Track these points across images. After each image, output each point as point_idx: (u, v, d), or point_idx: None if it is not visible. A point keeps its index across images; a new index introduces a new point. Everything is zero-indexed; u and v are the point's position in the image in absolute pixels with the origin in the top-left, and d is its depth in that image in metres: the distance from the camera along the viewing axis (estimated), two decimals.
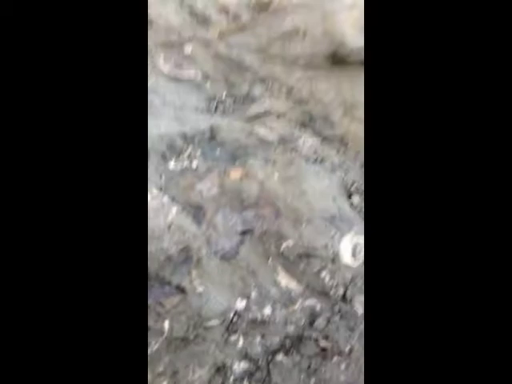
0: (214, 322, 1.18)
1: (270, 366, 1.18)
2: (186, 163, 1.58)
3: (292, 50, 2.10)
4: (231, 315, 1.21)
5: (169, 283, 1.05)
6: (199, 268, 1.19)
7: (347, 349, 1.21)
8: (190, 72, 1.98)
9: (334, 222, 1.49)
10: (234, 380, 1.14)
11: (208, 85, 2.01)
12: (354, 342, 1.23)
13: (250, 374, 1.17)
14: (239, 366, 1.15)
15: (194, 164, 1.59)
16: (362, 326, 1.26)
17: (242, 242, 1.35)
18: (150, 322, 1.07)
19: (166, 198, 1.41)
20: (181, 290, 1.08)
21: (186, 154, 1.65)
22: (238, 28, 2.12)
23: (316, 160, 1.71)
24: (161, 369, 1.07)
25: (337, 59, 2.07)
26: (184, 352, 1.11)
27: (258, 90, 1.97)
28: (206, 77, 2.03)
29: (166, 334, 1.09)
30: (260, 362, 1.19)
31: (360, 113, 1.94)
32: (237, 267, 1.30)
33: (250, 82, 2.06)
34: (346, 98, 1.99)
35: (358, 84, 2.00)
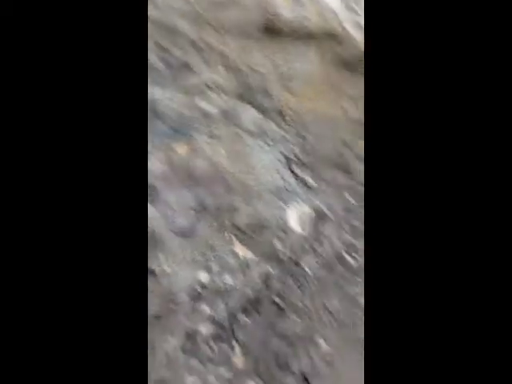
0: (182, 297, 1.26)
1: (234, 326, 1.32)
2: None
3: (225, 18, 2.08)
4: (196, 288, 1.30)
5: None
6: (164, 250, 1.24)
7: (300, 305, 1.39)
8: None
9: (280, 193, 1.62)
10: (203, 342, 1.25)
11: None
12: (306, 298, 1.42)
13: (216, 336, 1.29)
14: (207, 330, 1.27)
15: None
16: (310, 285, 1.45)
17: (197, 219, 1.41)
18: None
19: None
20: (152, 273, 1.13)
21: None
22: None
23: (258, 134, 1.80)
24: None
25: (270, 30, 2.11)
26: (158, 327, 1.19)
27: (193, 59, 1.94)
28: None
29: None
30: (225, 325, 1.31)
31: (295, 85, 2.04)
32: (196, 243, 1.38)
33: (183, 48, 2.01)
34: (281, 70, 2.06)
35: (293, 56, 2.09)
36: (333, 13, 2.25)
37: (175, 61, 1.92)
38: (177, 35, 1.98)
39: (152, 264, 1.18)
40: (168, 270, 1.22)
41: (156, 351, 1.18)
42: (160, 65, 1.88)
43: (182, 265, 1.31)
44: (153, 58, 1.95)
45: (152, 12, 1.96)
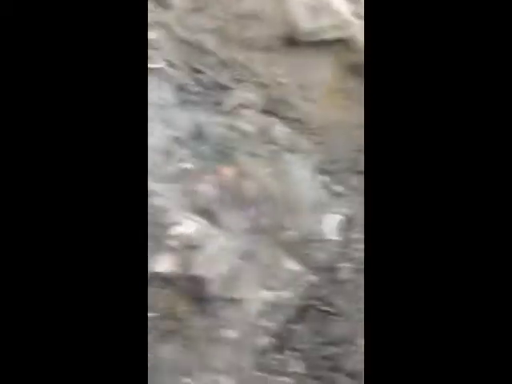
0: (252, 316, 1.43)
1: (290, 336, 1.49)
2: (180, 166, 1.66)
3: (249, 32, 2.15)
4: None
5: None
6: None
7: (343, 309, 1.58)
8: (158, 61, 1.94)
9: (317, 205, 1.77)
10: (267, 355, 1.42)
11: (174, 74, 2.00)
12: (347, 302, 1.60)
13: (276, 347, 1.44)
14: (269, 343, 1.43)
15: (188, 166, 1.69)
16: (350, 289, 1.63)
17: (253, 240, 1.56)
18: None
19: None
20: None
21: (177, 157, 1.72)
22: (195, 9, 2.07)
23: (290, 148, 1.93)
24: None
25: (291, 41, 2.19)
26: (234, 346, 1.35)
27: (224, 77, 2.03)
28: (170, 65, 2.01)
29: None
30: (283, 336, 1.48)
31: (315, 94, 2.14)
32: (254, 263, 1.53)
33: (212, 67, 2.10)
34: (302, 80, 2.17)
35: (311, 65, 2.18)
36: (348, 22, 2.33)
37: (209, 81, 2.01)
38: (206, 54, 2.05)
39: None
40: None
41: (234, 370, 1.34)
42: (196, 88, 1.97)
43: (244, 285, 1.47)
44: (187, 80, 2.03)
45: (180, 32, 2.03)
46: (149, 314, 1.31)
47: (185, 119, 1.83)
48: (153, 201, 1.24)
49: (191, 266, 1.18)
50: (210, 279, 1.17)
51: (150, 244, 1.23)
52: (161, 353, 1.29)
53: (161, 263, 1.21)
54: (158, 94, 1.90)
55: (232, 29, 2.12)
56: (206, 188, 1.68)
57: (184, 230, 1.22)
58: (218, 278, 1.19)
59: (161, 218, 1.23)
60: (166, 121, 1.78)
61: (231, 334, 1.21)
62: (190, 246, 1.22)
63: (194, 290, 1.17)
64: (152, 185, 1.29)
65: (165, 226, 1.22)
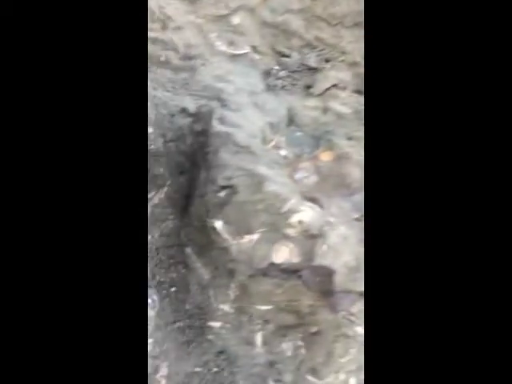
0: None
1: None
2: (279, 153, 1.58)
3: (335, 9, 2.01)
4: None
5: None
6: None
7: None
8: (244, 48, 1.87)
9: None
10: None
11: (260, 59, 1.93)
12: None
13: None
14: None
15: (283, 153, 1.60)
16: None
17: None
18: None
19: None
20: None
21: (271, 145, 1.64)
22: None
23: None
24: None
25: None
26: None
27: (312, 59, 1.92)
28: (255, 51, 1.94)
29: None
30: None
31: None
32: None
33: (299, 49, 2.00)
34: None
35: None
36: None
37: (298, 64, 1.91)
38: (293, 36, 1.95)
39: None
40: None
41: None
42: (282, 72, 1.88)
43: None
44: (272, 64, 1.95)
45: (267, 16, 1.95)
46: (263, 307, 1.24)
47: (276, 104, 1.75)
48: (266, 187, 1.17)
49: (314, 256, 1.09)
50: (336, 270, 1.07)
51: (268, 234, 1.16)
52: (278, 348, 1.22)
53: (280, 253, 1.13)
54: (245, 79, 1.83)
55: (318, 7, 2.00)
56: (306, 175, 1.59)
57: (303, 217, 1.12)
58: (344, 270, 1.08)
59: (277, 206, 1.15)
60: (259, 106, 1.70)
61: (360, 330, 1.10)
62: (310, 235, 1.12)
63: (319, 282, 1.07)
64: (261, 169, 1.21)
65: (282, 214, 1.14)
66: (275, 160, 1.27)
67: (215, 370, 1.28)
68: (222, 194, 1.20)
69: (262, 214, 1.14)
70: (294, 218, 1.11)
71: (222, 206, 1.18)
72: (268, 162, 1.22)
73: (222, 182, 1.20)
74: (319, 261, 1.06)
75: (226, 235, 1.17)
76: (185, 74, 1.74)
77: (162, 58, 1.72)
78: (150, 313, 1.19)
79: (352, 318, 1.09)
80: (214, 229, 1.16)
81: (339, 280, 1.06)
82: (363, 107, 1.79)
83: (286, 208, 1.12)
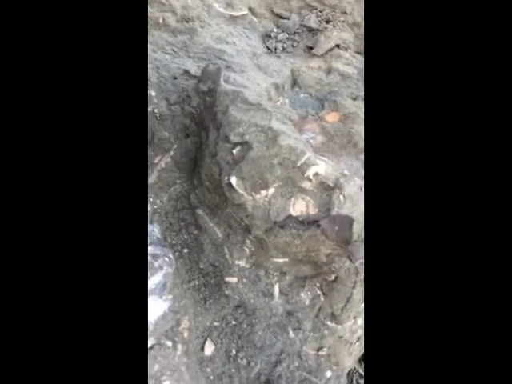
0: None
1: None
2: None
3: None
4: None
5: None
6: None
7: None
8: (242, 9, 1.84)
9: None
10: None
11: (258, 21, 1.90)
12: None
13: None
14: None
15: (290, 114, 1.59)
16: None
17: None
18: None
19: None
20: None
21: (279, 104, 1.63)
22: None
23: None
24: None
25: None
26: None
27: (312, 20, 1.90)
28: (253, 13, 1.91)
29: None
30: None
31: None
32: None
33: (298, 10, 1.97)
34: None
35: None
36: None
37: (298, 26, 1.89)
38: None
39: None
40: None
41: None
42: (282, 35, 1.86)
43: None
44: (271, 26, 1.92)
45: None
46: (280, 260, 1.27)
47: (279, 66, 1.73)
48: (281, 141, 1.17)
49: (332, 206, 1.11)
50: (354, 219, 1.09)
51: (284, 188, 1.17)
52: (297, 297, 1.26)
53: (298, 206, 1.15)
54: (246, 41, 1.80)
55: None
56: (313, 136, 1.59)
57: (319, 170, 1.14)
58: (361, 218, 1.11)
59: (293, 159, 1.16)
60: (262, 68, 1.69)
61: None
62: (327, 187, 1.14)
63: (337, 231, 1.10)
64: (275, 124, 1.21)
65: (298, 168, 1.15)
66: (287, 115, 1.27)
67: (233, 323, 1.31)
68: (236, 150, 1.19)
69: (277, 169, 1.15)
70: (310, 171, 1.12)
71: (236, 163, 1.18)
72: (280, 117, 1.22)
73: (235, 139, 1.19)
74: (337, 211, 1.08)
75: (241, 191, 1.17)
76: (184, 37, 1.71)
77: (160, 20, 1.68)
78: (168, 270, 1.20)
79: None
80: (230, 186, 1.16)
81: (357, 228, 1.09)
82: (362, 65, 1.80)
83: (301, 161, 1.13)
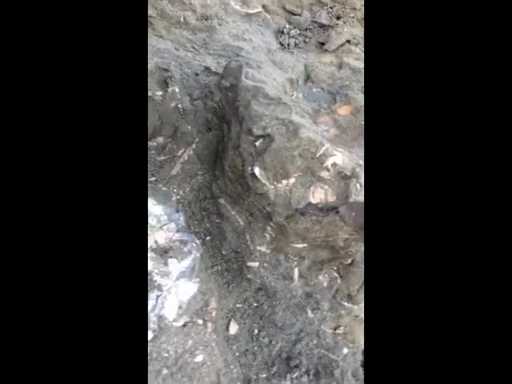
0: None
1: None
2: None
3: None
4: None
5: None
6: None
7: None
8: (256, 7, 1.91)
9: None
10: None
11: (271, 18, 1.97)
12: None
13: None
14: None
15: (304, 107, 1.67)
16: None
17: None
18: None
19: None
20: None
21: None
22: None
23: None
24: None
25: None
26: None
27: (323, 16, 1.96)
28: (266, 10, 1.98)
29: None
30: None
31: None
32: None
33: (309, 6, 2.04)
34: None
35: None
36: None
37: (309, 22, 1.96)
38: None
39: None
40: None
41: None
42: (294, 31, 1.93)
43: None
44: (284, 23, 1.99)
45: None
46: (299, 245, 1.36)
47: (292, 61, 1.81)
48: (302, 134, 1.25)
49: (349, 194, 1.19)
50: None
51: (304, 177, 1.26)
52: (315, 280, 1.34)
53: (317, 194, 1.23)
54: (261, 37, 1.88)
55: None
56: (326, 128, 1.67)
57: (336, 160, 1.22)
58: None
59: (312, 151, 1.24)
60: (277, 64, 1.76)
61: None
62: (344, 176, 1.23)
63: (355, 217, 1.19)
64: (295, 117, 1.29)
65: (317, 158, 1.23)
66: (305, 109, 1.35)
67: (255, 304, 1.41)
68: (259, 142, 1.28)
69: (298, 159, 1.23)
70: (329, 162, 1.20)
71: (259, 155, 1.27)
72: (299, 111, 1.30)
73: (257, 132, 1.27)
74: (354, 198, 1.17)
75: (264, 181, 1.26)
76: (203, 34, 1.78)
77: (181, 19, 1.75)
78: (196, 254, 1.29)
79: None
80: (254, 176, 1.25)
81: None
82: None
83: (320, 152, 1.21)
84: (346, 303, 1.29)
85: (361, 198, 1.17)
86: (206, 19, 1.80)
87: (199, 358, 1.10)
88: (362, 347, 1.39)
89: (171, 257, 1.22)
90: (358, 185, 1.18)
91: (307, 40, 1.95)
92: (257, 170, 1.26)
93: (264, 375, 1.27)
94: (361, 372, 1.36)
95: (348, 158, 1.29)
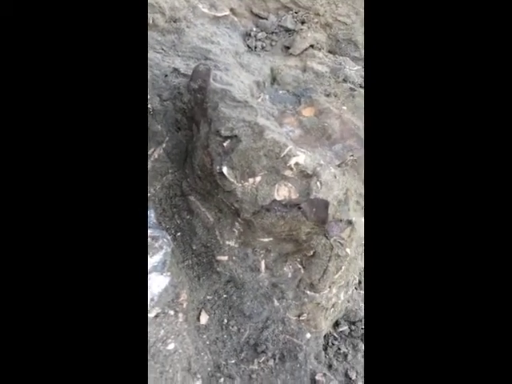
0: None
1: None
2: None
3: None
4: None
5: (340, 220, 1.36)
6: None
7: None
8: (224, 10, 1.98)
9: None
10: None
11: (238, 21, 2.04)
12: None
13: None
14: None
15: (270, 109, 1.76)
16: None
17: (343, 174, 1.66)
18: None
19: None
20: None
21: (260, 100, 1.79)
22: None
23: (361, 84, 1.98)
24: None
25: None
26: None
27: (288, 21, 2.06)
28: (234, 13, 2.05)
29: None
30: None
31: None
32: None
33: (275, 11, 2.13)
34: (362, 17, 2.19)
35: None
36: None
37: (275, 26, 2.04)
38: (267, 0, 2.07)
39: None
40: None
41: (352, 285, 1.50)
42: (261, 34, 2.01)
43: None
44: (251, 26, 2.07)
45: None
46: (265, 239, 1.45)
47: (259, 64, 1.89)
48: (266, 135, 1.34)
49: (311, 191, 1.29)
50: (329, 202, 1.28)
51: (269, 176, 1.35)
52: (280, 271, 1.44)
53: (281, 191, 1.33)
54: (229, 40, 1.95)
55: None
56: (291, 129, 1.77)
57: (299, 160, 1.32)
58: (335, 202, 1.30)
59: (276, 151, 1.33)
60: (244, 66, 1.84)
61: (348, 251, 1.35)
62: (306, 175, 1.32)
63: (316, 213, 1.29)
64: (260, 120, 1.38)
65: (281, 158, 1.33)
66: (270, 112, 1.44)
67: (225, 296, 1.49)
68: (226, 143, 1.35)
69: (263, 159, 1.32)
70: (292, 161, 1.30)
71: (227, 154, 1.35)
72: (265, 113, 1.38)
73: (225, 133, 1.35)
74: (315, 195, 1.27)
75: (231, 179, 1.34)
76: (172, 36, 1.83)
77: (150, 21, 1.80)
78: (167, 249, 1.36)
79: (342, 242, 1.32)
80: (222, 174, 1.33)
81: (331, 210, 1.28)
82: (338, 66, 1.99)
83: (284, 153, 1.30)
84: (308, 292, 1.40)
85: (321, 195, 1.28)
86: (174, 21, 1.85)
87: (171, 346, 1.17)
88: (324, 332, 1.50)
89: None
90: (318, 183, 1.29)
91: (273, 43, 2.04)
92: (225, 169, 1.34)
93: (233, 361, 1.36)
94: (323, 355, 1.48)
95: (310, 157, 1.39)
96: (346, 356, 1.52)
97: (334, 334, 1.60)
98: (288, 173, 1.31)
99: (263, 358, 1.36)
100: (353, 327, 1.63)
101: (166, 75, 1.69)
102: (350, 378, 1.43)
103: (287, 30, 2.06)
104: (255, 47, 2.00)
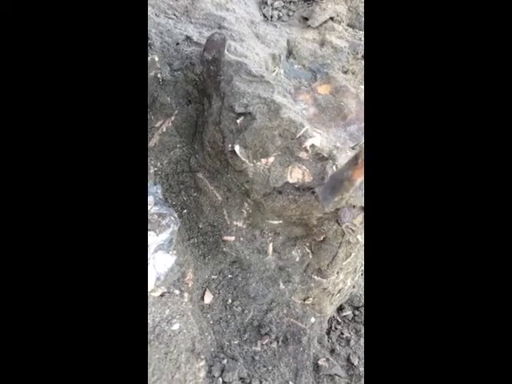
0: None
1: None
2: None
3: None
4: None
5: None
6: None
7: None
8: None
9: None
10: None
11: None
12: None
13: None
14: None
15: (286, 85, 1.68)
16: None
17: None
18: None
19: None
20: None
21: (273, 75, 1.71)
22: None
23: None
24: None
25: None
26: None
27: None
28: None
29: None
30: None
31: None
32: None
33: None
34: None
35: None
36: None
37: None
38: None
39: None
40: None
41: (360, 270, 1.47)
42: (278, 2, 1.90)
43: None
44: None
45: None
46: (275, 222, 1.41)
47: (276, 36, 1.79)
48: (283, 114, 1.27)
49: (326, 175, 1.24)
50: None
51: (282, 157, 1.29)
52: (288, 255, 1.41)
53: (294, 174, 1.28)
54: (244, 8, 1.84)
55: None
56: (305, 107, 1.69)
57: (315, 142, 1.26)
58: None
59: (292, 131, 1.27)
60: (260, 37, 1.74)
61: (360, 238, 1.31)
62: (321, 158, 1.27)
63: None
64: (278, 97, 1.31)
65: (296, 139, 1.27)
66: (287, 89, 1.36)
67: (230, 276, 1.47)
68: (240, 120, 1.29)
69: (278, 139, 1.26)
70: (308, 143, 1.24)
71: (239, 132, 1.28)
72: (281, 90, 1.31)
73: (239, 110, 1.28)
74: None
75: (243, 158, 1.28)
76: (185, 1, 1.73)
77: None
78: (174, 228, 1.32)
79: (354, 228, 1.28)
80: (234, 153, 1.27)
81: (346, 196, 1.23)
82: (358, 41, 1.88)
83: (300, 133, 1.24)
84: (315, 277, 1.37)
85: None
86: None
87: (175, 327, 1.15)
88: (328, 317, 1.49)
89: (149, 230, 1.24)
90: (334, 167, 1.23)
91: (290, 13, 1.93)
92: (237, 148, 1.28)
93: (236, 341, 1.35)
94: (326, 339, 1.47)
95: (326, 139, 1.33)
96: (348, 341, 1.51)
97: (338, 319, 1.59)
98: (303, 155, 1.25)
99: (266, 340, 1.36)
100: (356, 312, 1.62)
101: (178, 43, 1.60)
102: (352, 364, 1.43)
103: (306, 0, 1.94)
104: (271, 17, 1.89)
